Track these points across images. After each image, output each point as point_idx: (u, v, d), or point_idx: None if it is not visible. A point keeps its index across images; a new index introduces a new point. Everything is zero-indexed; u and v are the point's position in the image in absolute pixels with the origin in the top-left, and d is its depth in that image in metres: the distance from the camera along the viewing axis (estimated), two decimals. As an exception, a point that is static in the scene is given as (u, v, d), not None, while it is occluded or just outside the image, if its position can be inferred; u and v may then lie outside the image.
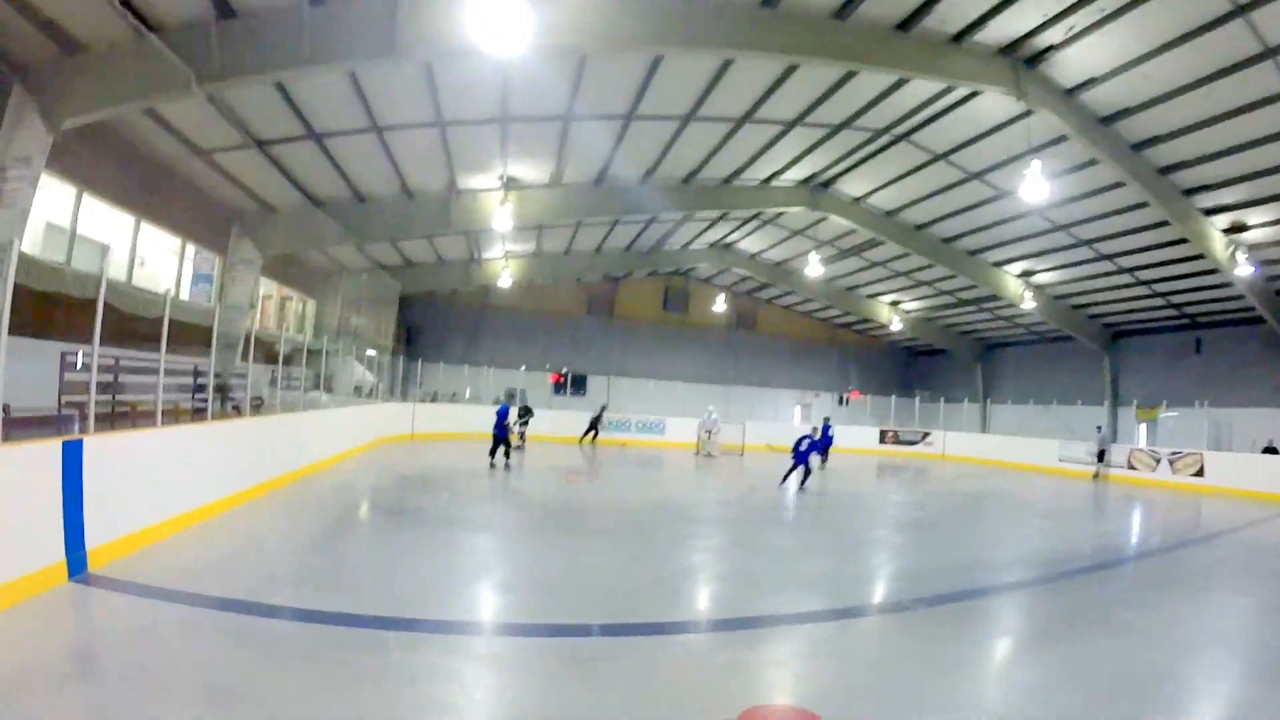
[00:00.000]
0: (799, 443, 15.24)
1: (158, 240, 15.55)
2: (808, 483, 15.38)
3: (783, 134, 16.38)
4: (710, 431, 23.52)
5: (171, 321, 9.77)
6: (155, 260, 15.63)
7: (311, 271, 23.87)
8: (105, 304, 6.95)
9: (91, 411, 6.79)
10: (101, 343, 8.95)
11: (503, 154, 16.03)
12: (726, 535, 10.79)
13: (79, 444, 6.15)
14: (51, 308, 8.94)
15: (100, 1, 8.36)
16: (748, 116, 15.21)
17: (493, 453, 16.21)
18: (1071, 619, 6.68)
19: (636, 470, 18.50)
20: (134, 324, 8.93)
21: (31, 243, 11.42)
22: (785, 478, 15.41)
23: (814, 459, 15.83)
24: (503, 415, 16.38)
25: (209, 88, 9.56)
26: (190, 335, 10.34)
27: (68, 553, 5.90)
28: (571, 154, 16.49)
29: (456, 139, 14.91)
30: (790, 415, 35.34)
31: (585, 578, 7.47)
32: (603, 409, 26.04)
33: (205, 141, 13.35)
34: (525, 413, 20.96)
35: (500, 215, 17.36)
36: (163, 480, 7.72)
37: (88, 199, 12.68)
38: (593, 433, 24.83)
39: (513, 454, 18.75)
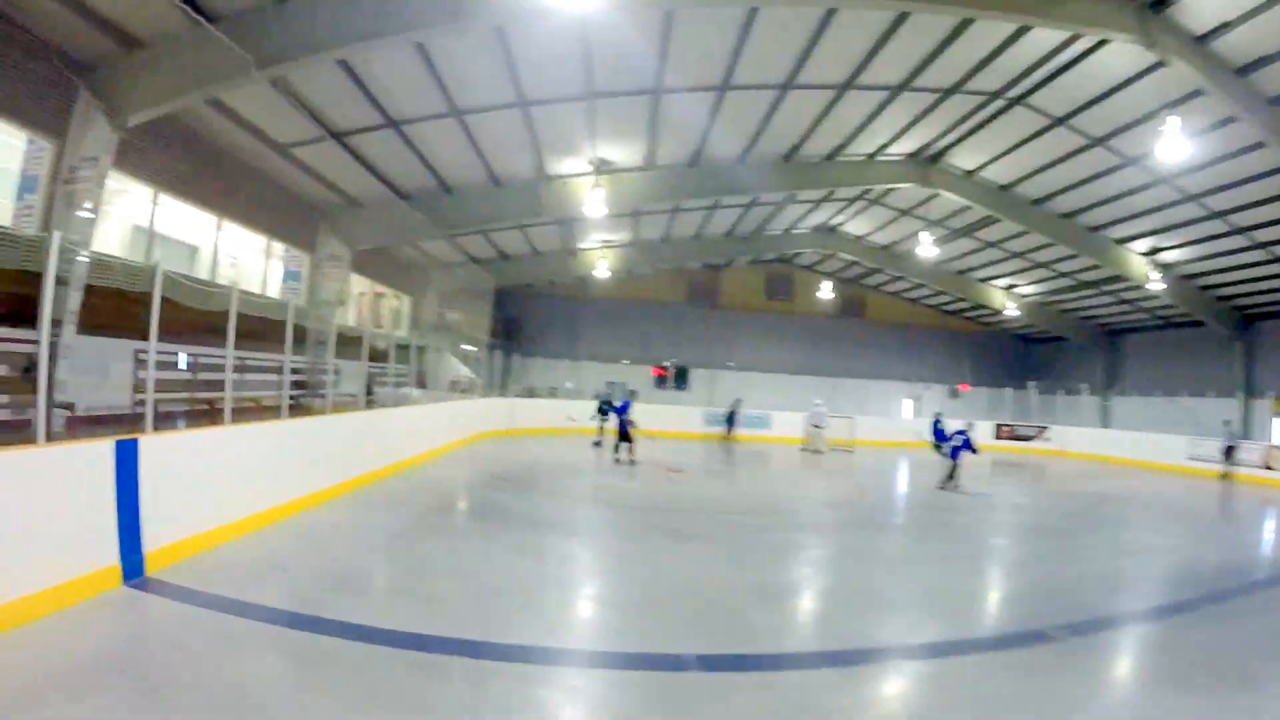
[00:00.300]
0: (952, 438, 14.55)
1: (254, 242, 15.76)
2: (950, 482, 14.39)
3: (888, 101, 15.18)
4: (818, 426, 22.27)
5: (258, 318, 9.79)
6: (252, 260, 15.87)
7: (405, 267, 23.91)
8: (182, 302, 6.81)
9: (150, 410, 6.54)
10: (181, 340, 8.96)
11: (591, 134, 15.38)
12: (837, 542, 9.76)
13: (133, 443, 5.90)
14: (129, 305, 8.95)
15: None
16: (850, 83, 14.10)
17: (617, 446, 15.96)
18: (1249, 654, 5.47)
19: (741, 467, 17.55)
20: (217, 320, 8.77)
21: (119, 245, 11.60)
22: (952, 478, 14.48)
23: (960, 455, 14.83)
24: (623, 410, 16.11)
25: (270, 72, 9.41)
26: (279, 332, 10.20)
27: (123, 556, 5.66)
28: (664, 132, 15.67)
29: (541, 120, 14.34)
30: (899, 408, 33.35)
31: (682, 593, 6.64)
32: (737, 403, 24.42)
33: (282, 136, 13.28)
34: (605, 407, 20.27)
35: (592, 201, 16.74)
36: (229, 480, 7.37)
37: (175, 203, 12.82)
38: (728, 429, 23.74)
39: (603, 448, 18.22)
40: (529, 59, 11.88)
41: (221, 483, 7.25)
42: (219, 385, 10.07)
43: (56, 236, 5.37)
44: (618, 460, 15.65)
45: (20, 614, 4.64)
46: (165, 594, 5.57)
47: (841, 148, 17.77)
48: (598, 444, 18.86)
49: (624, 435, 15.90)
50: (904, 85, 14.42)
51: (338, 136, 13.52)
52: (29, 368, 7.36)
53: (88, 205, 9.03)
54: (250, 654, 4.60)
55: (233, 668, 4.35)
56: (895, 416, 31.37)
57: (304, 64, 9.76)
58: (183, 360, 9.31)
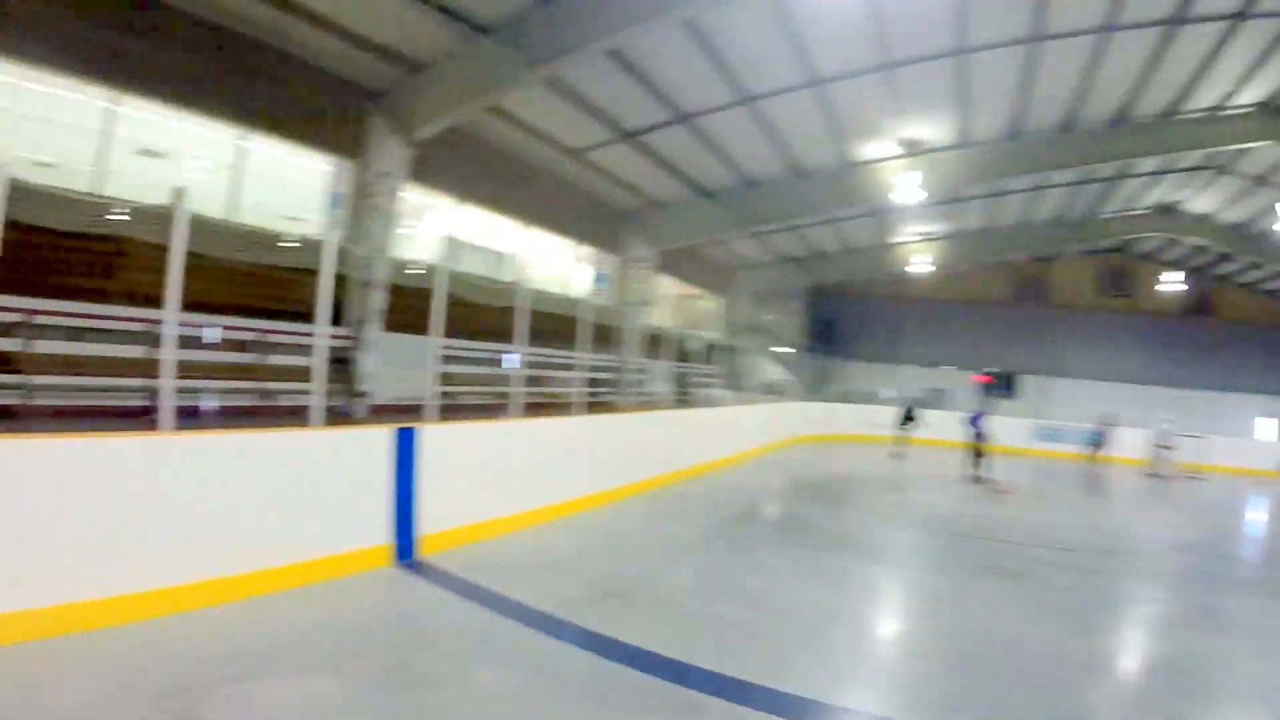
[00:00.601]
0: None
1: (563, 247, 16.62)
2: None
3: (1228, 34, 11.41)
4: (1164, 446, 17.33)
5: (564, 318, 10.11)
6: (564, 266, 16.77)
7: (714, 267, 23.79)
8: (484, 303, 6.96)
9: (432, 401, 6.70)
10: (485, 339, 9.42)
11: (894, 111, 13.55)
12: (1186, 599, 7.00)
13: (412, 430, 5.97)
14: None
15: (427, 20, 9.18)
16: (1180, 15, 10.81)
17: (974, 464, 13.72)
18: None
19: (1076, 492, 14.27)
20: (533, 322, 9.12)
21: (432, 254, 12.80)
22: None
23: None
24: (976, 421, 13.85)
25: (539, 72, 9.55)
26: (587, 333, 10.34)
27: (396, 537, 5.78)
28: (974, 101, 13.34)
29: (837, 99, 12.93)
30: (1256, 427, 25.54)
31: (996, 649, 4.94)
32: (1107, 416, 18.93)
33: (575, 141, 13.57)
34: (909, 416, 17.79)
35: (902, 187, 14.88)
36: (513, 473, 7.25)
37: (482, 213, 13.95)
38: (1095, 448, 19.28)
39: (904, 459, 16.05)
40: (813, 31, 10.64)
41: (504, 475, 7.13)
42: (525, 382, 10.51)
43: (331, 238, 5.63)
44: (977, 479, 13.44)
45: (297, 577, 5.00)
46: (431, 578, 5.53)
47: (1178, 103, 13.80)
48: (898, 455, 16.71)
49: (978, 451, 13.62)
50: (1245, 11, 10.73)
51: (629, 137, 13.45)
52: (338, 360, 8.28)
53: (390, 216, 10.17)
54: (497, 652, 4.31)
55: (477, 663, 4.12)
56: (1252, 436, 24.17)
57: (572, 59, 9.63)
58: (513, 359, 9.78)
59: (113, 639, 4.01)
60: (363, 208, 10.31)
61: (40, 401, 6.52)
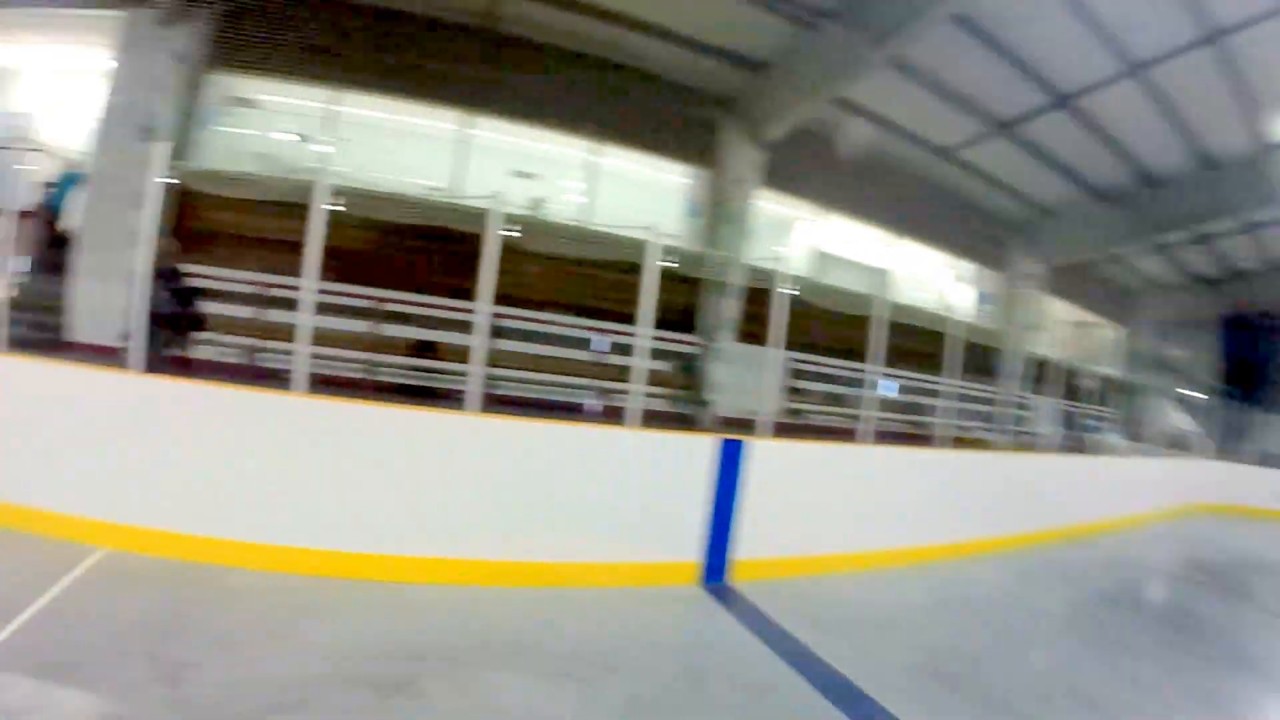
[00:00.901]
0: None
1: (943, 264, 15.39)
2: None
3: None
4: None
5: (935, 338, 8.95)
6: (948, 286, 15.54)
7: (1113, 290, 20.17)
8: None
9: (767, 417, 6.26)
10: (854, 358, 8.64)
11: None
12: None
13: (739, 444, 5.53)
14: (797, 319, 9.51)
15: (764, 14, 8.97)
16: None
17: None
18: None
19: None
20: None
21: (801, 267, 12.54)
22: None
23: None
24: None
25: (885, 49, 8.83)
26: (966, 358, 9.21)
27: (708, 556, 5.38)
28: None
29: (1243, 57, 9.71)
30: None
31: None
32: None
33: (943, 138, 12.27)
34: None
35: None
36: (851, 505, 6.39)
37: (850, 224, 13.33)
38: None
39: None
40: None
41: (844, 506, 6.34)
42: (881, 405, 9.57)
43: (654, 239, 5.49)
44: None
45: (596, 577, 4.92)
46: (734, 609, 4.97)
47: None
48: None
49: None
50: None
51: (1004, 128, 11.76)
52: (686, 367, 8.36)
53: (743, 223, 10.20)
54: (774, 716, 3.59)
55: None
56: None
57: (919, 32, 8.62)
58: (889, 387, 9.02)
59: (389, 594, 4.29)
60: (718, 215, 10.39)
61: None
